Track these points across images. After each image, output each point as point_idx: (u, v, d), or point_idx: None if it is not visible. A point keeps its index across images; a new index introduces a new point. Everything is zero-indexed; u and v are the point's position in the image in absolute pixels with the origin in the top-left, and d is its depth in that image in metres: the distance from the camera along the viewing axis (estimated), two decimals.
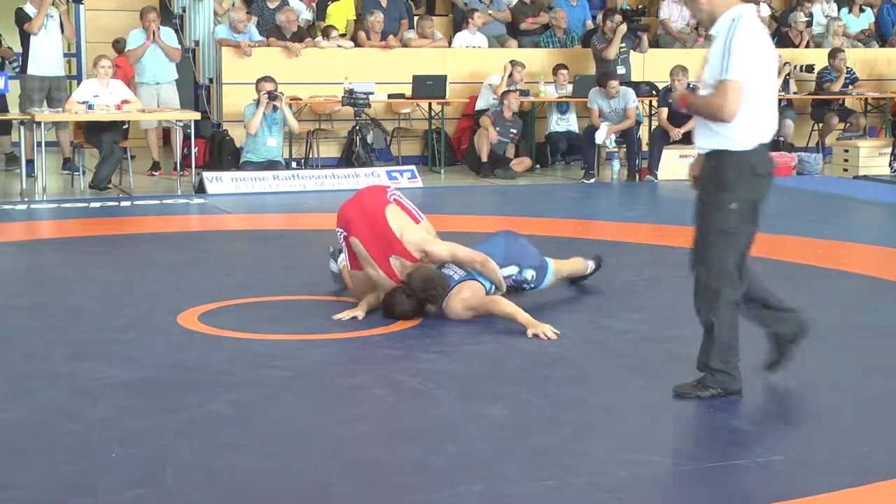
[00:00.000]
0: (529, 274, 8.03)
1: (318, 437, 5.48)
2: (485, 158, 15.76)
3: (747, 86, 5.66)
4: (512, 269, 7.92)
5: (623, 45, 16.70)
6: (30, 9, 15.06)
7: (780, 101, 17.17)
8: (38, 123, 13.66)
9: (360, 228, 7.82)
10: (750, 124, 5.74)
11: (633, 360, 6.83)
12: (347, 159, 15.84)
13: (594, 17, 18.70)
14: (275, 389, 6.17)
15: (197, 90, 17.30)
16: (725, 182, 5.77)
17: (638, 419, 5.76)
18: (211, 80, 16.89)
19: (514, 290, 8.00)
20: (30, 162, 14.15)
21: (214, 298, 8.25)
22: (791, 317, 6.13)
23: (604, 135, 15.28)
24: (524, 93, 16.62)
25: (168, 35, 15.77)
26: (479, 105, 16.64)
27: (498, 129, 15.83)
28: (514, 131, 16.04)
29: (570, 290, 8.56)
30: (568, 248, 9.94)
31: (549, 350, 6.86)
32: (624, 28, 16.63)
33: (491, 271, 7.69)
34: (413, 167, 15.38)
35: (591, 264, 8.71)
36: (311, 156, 16.14)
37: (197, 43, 17.25)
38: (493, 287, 7.74)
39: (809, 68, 18.02)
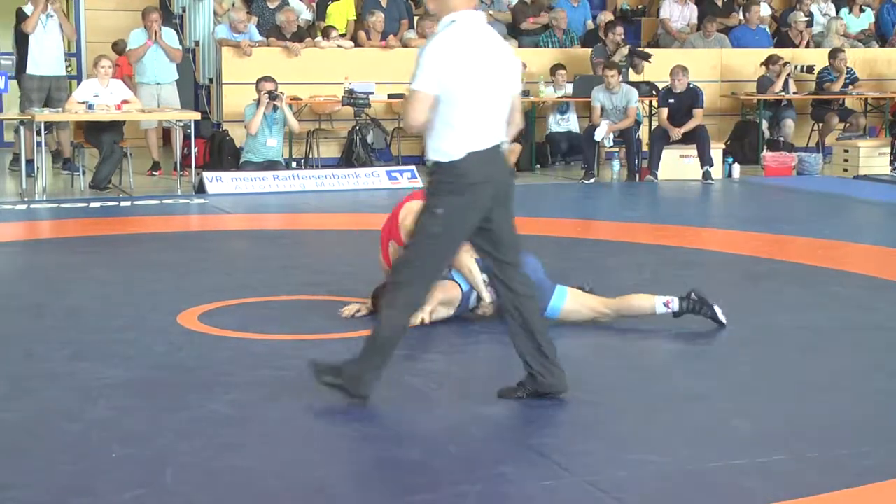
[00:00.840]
0: None
1: (319, 437, 5.49)
2: None
3: (440, 96, 5.61)
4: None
5: (623, 60, 16.64)
6: (29, 9, 15.09)
7: (780, 101, 17.36)
8: (37, 125, 13.67)
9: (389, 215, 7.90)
10: (454, 135, 5.68)
11: (632, 359, 6.84)
12: (347, 159, 15.85)
13: (594, 17, 18.70)
14: (275, 389, 6.17)
15: (197, 90, 17.28)
16: (436, 189, 5.77)
17: (638, 419, 5.76)
18: (211, 80, 16.89)
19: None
20: (29, 162, 14.15)
21: (214, 298, 8.25)
22: (555, 371, 5.96)
23: (603, 132, 15.26)
24: (524, 93, 16.61)
25: (169, 35, 15.78)
26: None
27: None
28: None
29: None
30: (568, 249, 9.98)
31: None
32: (625, 51, 16.67)
33: (465, 269, 7.43)
34: (413, 167, 15.36)
35: (660, 304, 7.44)
36: (311, 156, 16.13)
37: (197, 43, 17.25)
38: (474, 293, 7.54)
39: (809, 69, 18.00)
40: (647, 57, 17.21)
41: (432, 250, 5.79)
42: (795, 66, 17.82)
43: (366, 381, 5.82)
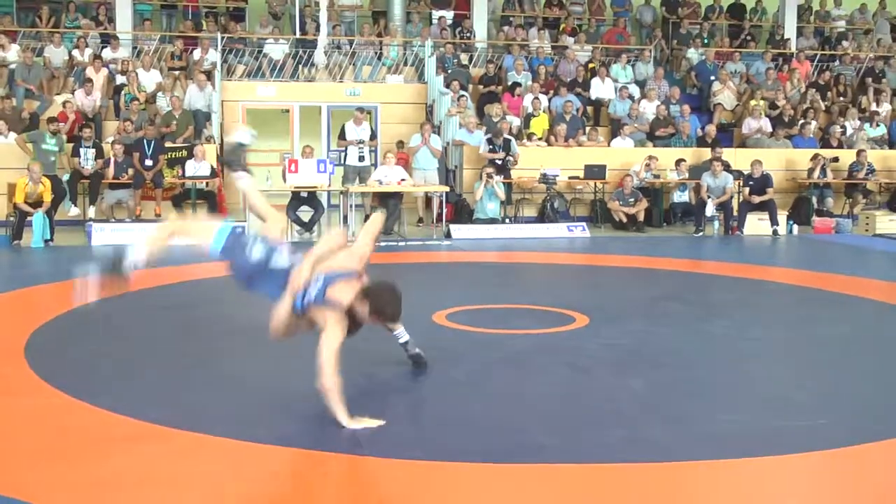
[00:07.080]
0: None
1: (525, 395, 5.49)
2: (624, 220, 15.69)
3: None
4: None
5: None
6: (350, 127, 15.68)
7: (825, 184, 16.71)
8: (350, 194, 14.06)
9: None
10: None
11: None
12: (541, 217, 15.92)
13: (703, 127, 18.27)
14: (494, 366, 6.17)
15: (448, 172, 17.50)
16: None
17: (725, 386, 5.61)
18: (456, 167, 17.11)
19: None
20: (345, 217, 14.54)
21: (456, 304, 8.31)
22: None
23: (712, 209, 15.27)
24: (656, 176, 16.41)
25: (434, 140, 16.10)
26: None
27: (620, 202, 15.76)
28: (633, 200, 15.81)
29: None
30: (681, 279, 9.71)
31: None
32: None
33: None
34: (584, 224, 15.36)
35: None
36: (518, 215, 16.21)
37: (447, 144, 17.47)
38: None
39: (835, 159, 17.47)
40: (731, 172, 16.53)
41: None
42: (827, 158, 17.25)
43: None
